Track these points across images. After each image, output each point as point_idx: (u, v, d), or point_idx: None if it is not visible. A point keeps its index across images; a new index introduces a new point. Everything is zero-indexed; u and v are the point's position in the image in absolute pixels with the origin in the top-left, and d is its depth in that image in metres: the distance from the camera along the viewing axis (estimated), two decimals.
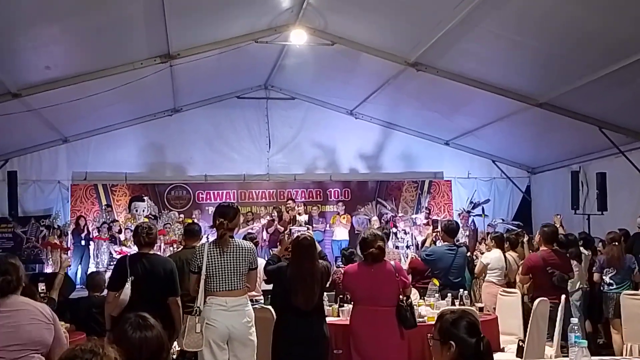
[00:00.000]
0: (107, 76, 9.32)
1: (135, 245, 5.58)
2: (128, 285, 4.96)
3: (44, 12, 7.22)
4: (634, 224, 9.84)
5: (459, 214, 13.46)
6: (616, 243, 7.80)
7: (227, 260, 4.78)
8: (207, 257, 4.75)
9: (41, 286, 6.97)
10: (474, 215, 13.48)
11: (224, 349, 4.71)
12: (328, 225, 13.53)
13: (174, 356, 5.26)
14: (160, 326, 2.61)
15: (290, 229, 11.43)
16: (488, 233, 10.92)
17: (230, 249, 4.81)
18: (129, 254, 5.56)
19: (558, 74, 9.02)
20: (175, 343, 5.03)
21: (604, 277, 7.66)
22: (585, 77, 8.63)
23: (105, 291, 5.62)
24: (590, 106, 9.74)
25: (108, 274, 7.40)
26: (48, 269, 11.67)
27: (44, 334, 3.50)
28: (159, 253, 7.52)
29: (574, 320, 3.49)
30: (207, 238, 12.09)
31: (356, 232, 12.87)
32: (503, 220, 13.51)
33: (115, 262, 5.92)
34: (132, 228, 12.39)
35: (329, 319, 5.53)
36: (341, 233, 13.29)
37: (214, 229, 4.97)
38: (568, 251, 7.79)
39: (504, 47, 8.64)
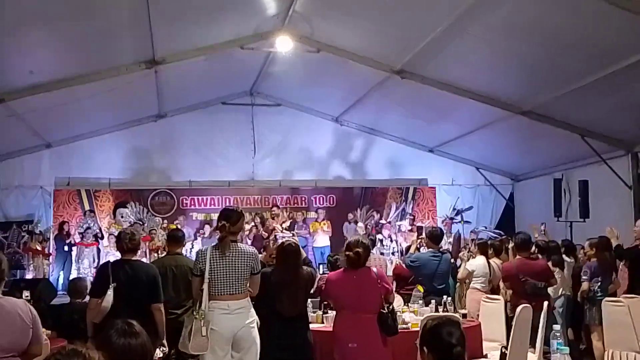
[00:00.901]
0: (91, 81, 9.27)
1: (117, 251, 5.52)
2: (110, 292, 4.91)
3: (28, 16, 7.17)
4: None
5: (442, 221, 13.54)
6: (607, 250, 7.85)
7: (228, 263, 4.77)
8: (210, 260, 4.75)
9: (25, 293, 6.92)
10: (457, 222, 13.57)
11: (226, 352, 4.73)
12: (308, 232, 13.54)
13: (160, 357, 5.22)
14: (145, 335, 2.60)
15: (275, 235, 11.47)
16: (472, 240, 10.99)
17: (232, 252, 4.81)
18: (110, 260, 5.51)
19: (542, 82, 9.11)
20: (157, 350, 5.00)
21: (591, 286, 7.65)
22: (569, 85, 8.73)
23: (88, 297, 5.57)
24: (573, 114, 9.85)
25: (90, 280, 7.33)
26: (29, 275, 11.55)
27: (20, 340, 3.40)
28: (141, 259, 7.47)
29: (556, 327, 3.52)
30: (192, 244, 12.13)
31: (345, 238, 12.85)
32: (486, 227, 13.60)
33: (97, 269, 5.88)
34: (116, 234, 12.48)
35: (313, 326, 5.51)
36: (322, 239, 13.31)
37: (216, 231, 4.96)
38: (550, 258, 7.83)
39: (488, 55, 8.72)
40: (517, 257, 6.92)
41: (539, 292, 6.63)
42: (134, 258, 5.30)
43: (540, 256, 7.49)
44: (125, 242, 5.19)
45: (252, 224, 12.91)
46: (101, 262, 12.19)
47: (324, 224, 13.47)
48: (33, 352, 3.49)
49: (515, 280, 6.71)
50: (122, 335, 2.50)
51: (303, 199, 14.03)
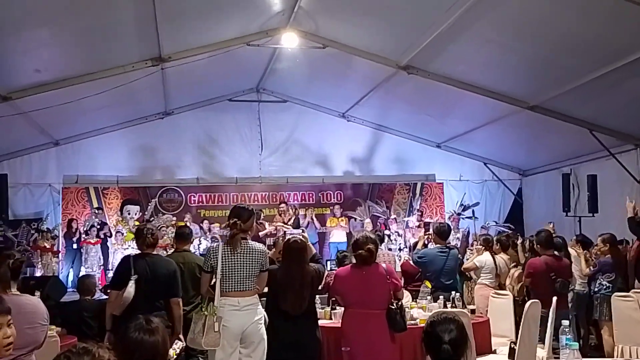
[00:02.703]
0: (98, 79, 9.29)
1: (137, 247, 5.57)
2: (132, 284, 4.96)
3: (34, 15, 7.19)
4: (624, 226, 9.85)
5: (450, 217, 13.51)
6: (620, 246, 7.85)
7: (239, 261, 4.82)
8: (221, 257, 4.78)
9: (36, 293, 6.98)
10: (464, 218, 13.54)
11: (235, 348, 4.77)
12: (325, 228, 13.55)
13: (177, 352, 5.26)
14: (162, 335, 2.60)
15: (284, 232, 11.47)
16: (481, 235, 10.96)
17: (242, 250, 4.85)
18: (132, 254, 5.57)
19: (549, 77, 9.06)
20: (180, 343, 5.05)
21: (600, 279, 7.65)
22: (576, 80, 8.67)
23: (97, 294, 5.61)
24: (581, 109, 9.79)
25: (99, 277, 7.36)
26: (38, 273, 11.60)
27: (40, 336, 3.54)
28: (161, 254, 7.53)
29: (565, 322, 3.50)
30: (200, 240, 12.15)
31: (352, 233, 12.89)
32: (496, 222, 13.56)
33: (118, 262, 5.93)
34: (123, 231, 12.52)
35: (321, 322, 5.51)
36: (339, 235, 13.31)
37: (227, 228, 5.00)
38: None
39: (495, 50, 8.67)
40: (543, 255, 6.83)
41: (566, 290, 6.61)
42: (154, 252, 5.37)
43: (557, 253, 7.44)
44: (148, 237, 5.26)
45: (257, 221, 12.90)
46: (109, 260, 12.33)
47: (342, 220, 13.49)
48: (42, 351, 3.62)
49: (544, 278, 6.60)
50: (137, 330, 2.51)
51: (311, 195, 14.02)
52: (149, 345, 2.51)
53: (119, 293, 5.01)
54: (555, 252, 6.97)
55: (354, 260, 5.15)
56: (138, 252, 5.49)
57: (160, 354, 2.56)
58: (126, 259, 5.40)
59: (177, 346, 5.04)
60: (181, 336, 5.13)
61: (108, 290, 5.77)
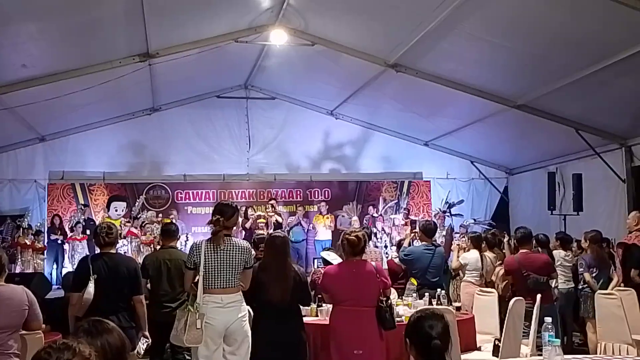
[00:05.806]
0: (85, 75, 9.23)
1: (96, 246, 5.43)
2: (91, 285, 4.89)
3: (21, 10, 7.12)
4: (609, 225, 9.97)
5: (435, 214, 13.57)
6: (604, 244, 7.91)
7: (222, 257, 4.80)
8: (204, 254, 4.77)
9: None
10: (449, 215, 13.60)
11: (219, 345, 4.75)
12: (312, 225, 13.57)
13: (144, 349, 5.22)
14: (118, 326, 2.56)
15: (269, 233, 11.47)
16: (462, 234, 11.00)
17: (226, 247, 4.83)
18: (90, 254, 5.51)
19: (536, 76, 9.11)
20: (140, 343, 5.02)
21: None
22: (563, 79, 8.73)
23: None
24: (567, 108, 9.87)
25: None
26: (17, 269, 11.48)
27: (16, 320, 4.18)
28: (121, 252, 7.49)
29: (548, 319, 3.53)
30: (187, 237, 12.13)
31: (340, 231, 12.91)
32: (475, 220, 13.63)
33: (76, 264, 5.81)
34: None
35: (307, 319, 5.52)
36: (324, 233, 13.33)
37: (211, 225, 4.97)
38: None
39: (482, 49, 8.70)
40: (520, 251, 6.88)
41: (541, 286, 6.59)
42: (112, 251, 5.29)
43: (540, 250, 7.50)
44: (102, 236, 5.15)
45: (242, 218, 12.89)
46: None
47: (327, 218, 13.50)
48: (33, 327, 4.37)
49: (517, 275, 6.68)
50: (96, 336, 2.41)
51: (298, 192, 14.04)
52: (117, 343, 2.44)
53: (79, 295, 4.93)
54: (539, 249, 7.03)
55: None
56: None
57: (127, 343, 2.52)
58: (84, 260, 5.32)
59: (143, 343, 5.02)
60: (147, 333, 5.12)
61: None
